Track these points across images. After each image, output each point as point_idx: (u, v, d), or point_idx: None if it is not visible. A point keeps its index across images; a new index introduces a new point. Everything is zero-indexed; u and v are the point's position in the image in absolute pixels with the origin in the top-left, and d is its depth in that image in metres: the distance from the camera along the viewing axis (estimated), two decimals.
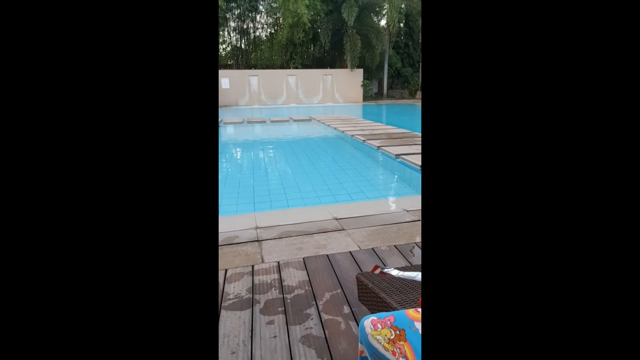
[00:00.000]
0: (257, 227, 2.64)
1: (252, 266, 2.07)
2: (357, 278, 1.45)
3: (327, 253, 2.21)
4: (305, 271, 2.00)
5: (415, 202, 3.24)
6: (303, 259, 2.15)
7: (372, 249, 2.26)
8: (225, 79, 17.95)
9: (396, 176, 5.26)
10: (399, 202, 3.48)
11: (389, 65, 20.73)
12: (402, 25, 19.91)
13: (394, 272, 1.32)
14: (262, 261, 2.13)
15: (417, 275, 1.27)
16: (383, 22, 19.99)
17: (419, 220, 2.69)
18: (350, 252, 2.22)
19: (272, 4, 19.20)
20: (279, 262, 2.11)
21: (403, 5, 18.61)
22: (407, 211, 2.94)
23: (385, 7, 18.80)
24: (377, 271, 1.35)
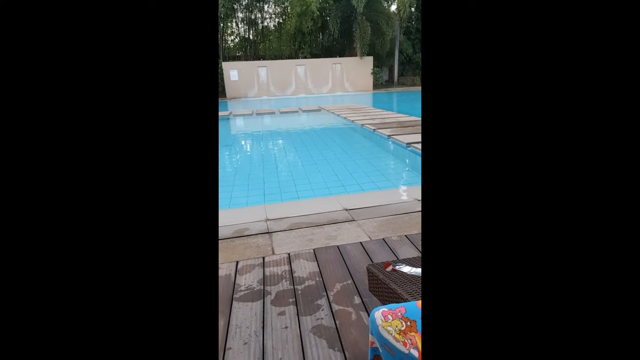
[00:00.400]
0: (267, 219, 2.65)
1: (263, 258, 2.08)
2: (367, 269, 1.44)
3: (338, 244, 2.21)
4: (316, 262, 2.01)
5: None
6: (313, 250, 2.15)
7: (383, 239, 2.25)
8: (234, 71, 17.95)
9: (407, 165, 5.19)
10: (410, 191, 3.44)
11: (400, 52, 20.29)
12: (413, 9, 19.35)
13: (406, 269, 1.30)
14: (273, 253, 2.15)
15: None
16: (394, 7, 19.50)
17: None
18: (360, 242, 2.21)
19: None
20: (289, 254, 2.12)
21: None
22: (418, 200, 2.90)
23: None
24: (389, 269, 1.34)
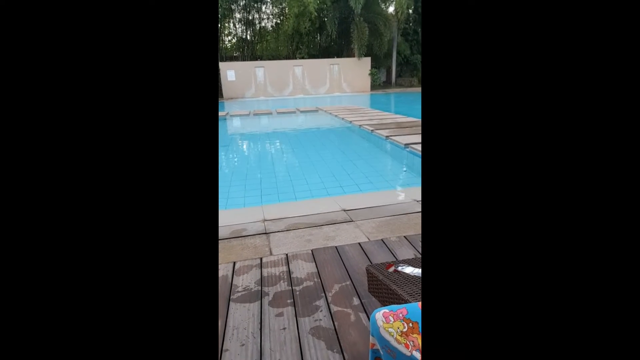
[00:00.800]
0: (264, 220, 2.63)
1: (261, 259, 2.06)
2: (367, 270, 1.43)
3: (336, 245, 2.19)
4: (314, 263, 1.99)
5: None
6: (311, 251, 2.13)
7: (382, 240, 2.23)
8: (231, 71, 17.90)
9: (405, 166, 5.19)
10: (408, 192, 3.43)
11: (398, 53, 20.36)
12: (411, 11, 19.41)
13: (408, 270, 1.29)
14: (271, 253, 2.13)
15: None
16: (391, 9, 19.56)
17: None
18: (359, 243, 2.20)
19: None
20: (287, 255, 2.10)
21: None
22: (417, 201, 2.89)
23: None
24: (391, 269, 1.32)
